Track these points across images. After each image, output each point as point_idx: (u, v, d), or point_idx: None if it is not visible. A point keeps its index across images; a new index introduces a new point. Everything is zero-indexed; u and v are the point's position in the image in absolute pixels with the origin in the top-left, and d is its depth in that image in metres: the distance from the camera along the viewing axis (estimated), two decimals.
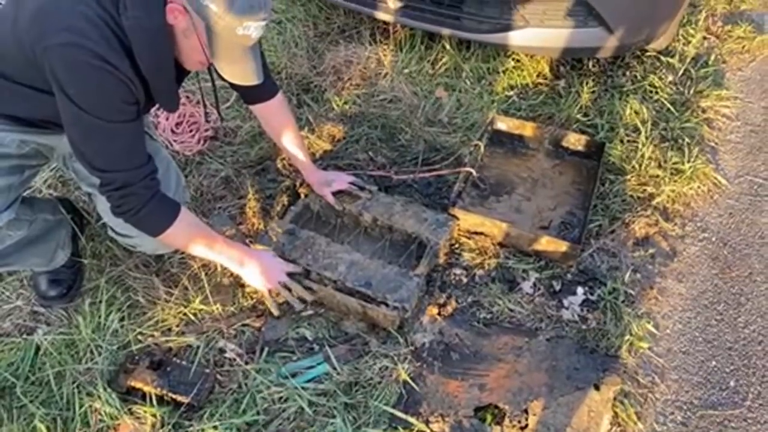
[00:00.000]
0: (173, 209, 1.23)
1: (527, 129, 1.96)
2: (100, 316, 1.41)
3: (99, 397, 1.26)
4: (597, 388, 1.28)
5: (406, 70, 2.18)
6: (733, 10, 2.70)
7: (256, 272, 1.37)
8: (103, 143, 1.13)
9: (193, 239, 1.29)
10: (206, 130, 1.97)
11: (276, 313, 1.44)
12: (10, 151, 1.24)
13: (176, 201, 1.25)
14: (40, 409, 1.23)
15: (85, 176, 1.39)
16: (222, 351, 1.41)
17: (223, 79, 1.35)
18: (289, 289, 1.44)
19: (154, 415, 1.25)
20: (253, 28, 1.08)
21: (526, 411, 1.25)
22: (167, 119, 1.93)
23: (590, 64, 2.26)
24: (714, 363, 1.43)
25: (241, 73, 1.16)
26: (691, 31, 2.46)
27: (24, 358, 1.35)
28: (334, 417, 1.27)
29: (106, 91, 1.08)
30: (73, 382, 1.30)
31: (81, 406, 1.25)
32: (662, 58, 2.30)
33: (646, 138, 1.94)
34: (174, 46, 1.14)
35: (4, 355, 1.37)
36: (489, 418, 1.27)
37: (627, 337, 1.43)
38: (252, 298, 1.52)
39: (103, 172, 1.15)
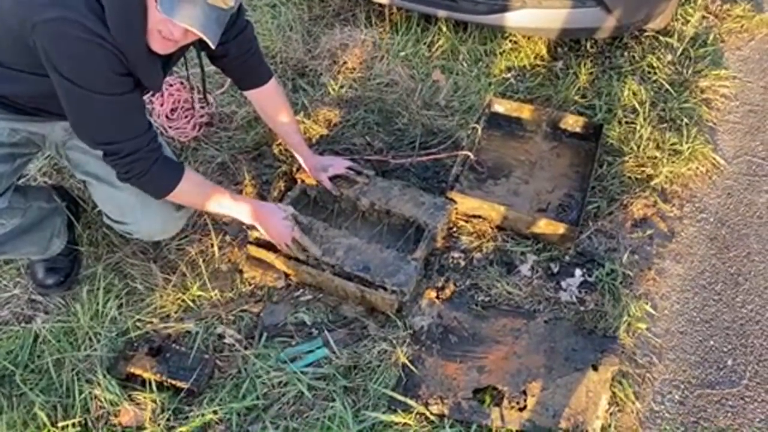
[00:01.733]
0: (178, 169, 1.26)
1: (525, 111, 1.95)
2: (98, 304, 1.41)
3: (99, 384, 1.26)
4: (595, 368, 1.29)
5: (403, 53, 2.16)
6: None
7: (264, 226, 1.43)
8: (101, 116, 1.13)
9: (201, 195, 1.32)
10: (201, 116, 1.95)
11: (302, 257, 1.47)
12: (1, 139, 1.23)
13: (180, 162, 1.26)
14: (40, 397, 1.24)
15: (79, 164, 1.38)
16: (221, 337, 1.41)
17: (216, 63, 1.33)
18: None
19: (153, 401, 1.25)
20: None
21: (524, 392, 1.26)
22: (162, 105, 1.91)
23: (588, 45, 2.24)
24: (711, 342, 1.44)
25: (186, 17, 1.02)
26: (690, 11, 2.43)
27: (23, 346, 1.35)
28: (333, 400, 1.28)
29: (98, 64, 1.06)
30: (73, 370, 1.30)
31: (81, 393, 1.25)
32: (661, 38, 2.29)
33: (645, 119, 1.93)
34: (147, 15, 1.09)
35: (3, 343, 1.37)
36: (488, 399, 1.27)
37: (625, 318, 1.43)
38: (250, 284, 1.52)
39: (105, 145, 1.16)
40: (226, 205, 1.37)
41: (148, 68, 1.15)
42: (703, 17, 2.46)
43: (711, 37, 2.34)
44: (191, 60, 1.54)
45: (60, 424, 1.19)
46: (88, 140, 1.17)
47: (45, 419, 1.19)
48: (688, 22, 2.38)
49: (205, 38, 1.06)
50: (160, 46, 1.12)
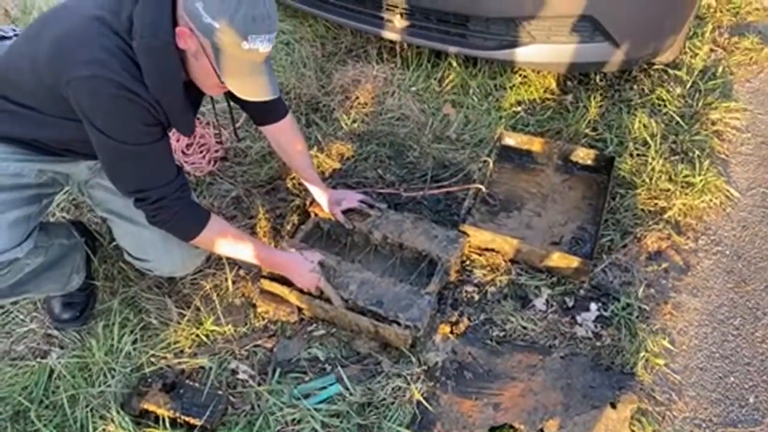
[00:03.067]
0: (204, 215, 1.30)
1: (536, 144, 1.96)
2: (113, 339, 1.41)
3: (112, 421, 1.26)
4: (613, 406, 1.26)
5: (414, 88, 2.20)
6: (740, 22, 2.70)
7: (291, 276, 1.47)
8: (133, 166, 1.17)
9: (224, 243, 1.34)
10: (216, 151, 1.98)
11: (336, 302, 1.48)
12: (29, 181, 1.26)
13: (207, 209, 1.30)
14: (59, 430, 1.24)
15: (101, 202, 1.42)
16: (234, 372, 1.41)
17: (235, 100, 1.37)
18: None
19: None
20: (259, 42, 1.08)
21: (541, 431, 1.24)
22: (177, 140, 1.95)
23: (597, 78, 2.27)
24: (732, 379, 1.41)
25: (252, 89, 1.16)
26: (698, 44, 2.46)
27: (38, 381, 1.36)
28: None
29: (130, 118, 1.10)
30: (87, 406, 1.30)
31: (95, 430, 1.25)
32: (670, 71, 2.31)
33: (656, 151, 1.93)
34: (187, 69, 1.16)
35: (18, 378, 1.38)
36: None
37: (642, 353, 1.41)
38: (263, 319, 1.52)
39: (136, 192, 1.20)
40: (251, 255, 1.39)
41: (183, 115, 1.20)
42: (712, 50, 2.49)
43: (720, 69, 2.36)
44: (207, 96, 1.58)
45: None
46: (120, 187, 1.21)
47: None
48: (696, 55, 2.40)
49: (272, 97, 1.18)
50: (214, 90, 1.22)
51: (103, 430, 1.25)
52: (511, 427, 1.27)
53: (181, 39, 1.09)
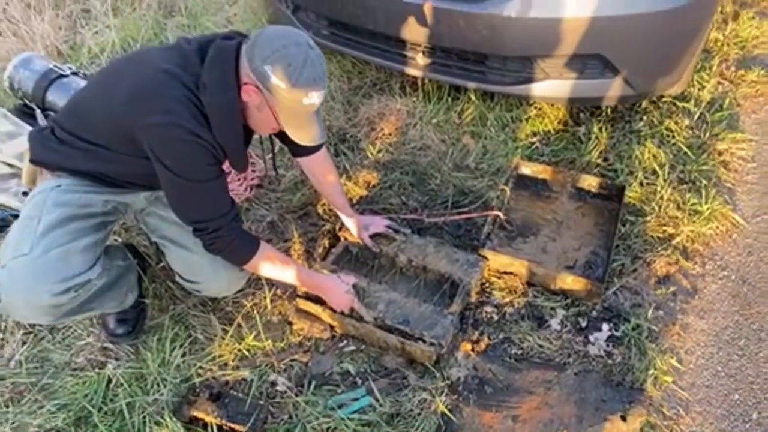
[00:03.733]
0: (255, 243, 1.45)
1: (550, 173, 2.09)
2: (164, 352, 1.56)
3: (166, 426, 1.39)
4: (623, 419, 1.37)
5: (435, 120, 2.34)
6: (746, 55, 2.82)
7: (328, 297, 1.61)
8: (195, 200, 1.33)
9: (271, 266, 1.50)
10: (252, 179, 2.14)
11: (369, 319, 1.61)
12: (96, 210, 1.42)
13: (257, 237, 1.46)
14: None
15: (156, 229, 1.58)
16: (273, 384, 1.54)
17: (276, 135, 1.54)
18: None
19: None
20: (315, 97, 1.26)
21: None
22: None
23: (608, 110, 2.40)
24: (737, 396, 1.51)
25: (309, 136, 1.34)
26: (706, 77, 2.58)
27: (97, 390, 1.50)
28: None
29: (196, 159, 1.26)
30: (143, 412, 1.44)
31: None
32: (678, 103, 2.43)
33: (665, 180, 2.05)
34: (246, 117, 1.33)
35: (79, 387, 1.52)
36: None
37: (651, 371, 1.52)
38: (299, 335, 1.65)
39: (197, 223, 1.36)
40: (294, 277, 1.54)
41: (239, 155, 1.36)
42: (719, 83, 2.61)
43: (727, 101, 2.47)
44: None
45: None
46: (183, 218, 1.38)
47: None
48: (704, 87, 2.52)
49: (322, 141, 1.40)
50: (268, 131, 1.43)
51: None
52: None
53: (247, 94, 1.26)
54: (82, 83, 2.18)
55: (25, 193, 1.48)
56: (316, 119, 1.33)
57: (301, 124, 1.32)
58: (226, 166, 1.40)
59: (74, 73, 2.24)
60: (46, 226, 1.31)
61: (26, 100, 2.20)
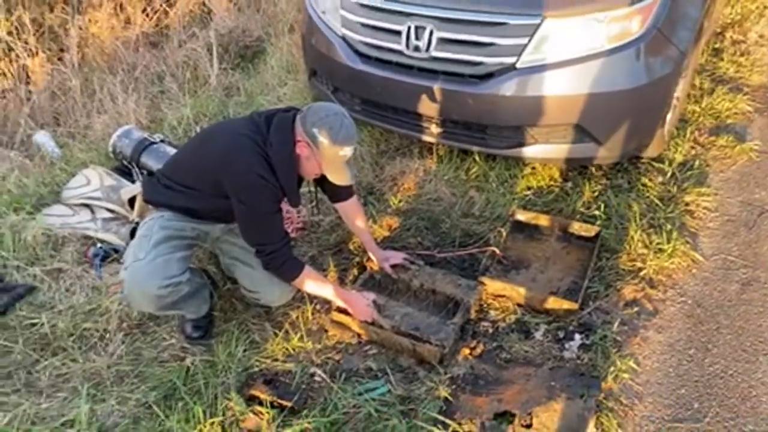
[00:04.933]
0: (300, 265, 1.94)
1: (542, 220, 2.54)
2: (230, 347, 2.02)
3: (232, 400, 1.84)
4: (582, 398, 1.75)
5: (446, 177, 2.85)
6: (720, 124, 3.25)
7: (353, 309, 2.04)
8: (260, 228, 1.84)
9: (314, 285, 1.98)
10: (298, 224, 2.66)
11: (386, 326, 2.03)
12: (187, 234, 1.95)
13: (302, 261, 1.94)
14: (196, 404, 1.82)
15: (228, 252, 2.09)
16: (312, 375, 1.97)
17: (318, 186, 2.05)
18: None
19: (268, 413, 1.80)
20: (348, 150, 1.80)
21: (530, 415, 1.73)
22: None
23: (594, 168, 2.86)
24: (683, 391, 1.86)
25: (342, 178, 1.87)
26: (680, 142, 3.03)
27: (179, 375, 1.96)
28: (392, 419, 1.79)
29: (264, 196, 1.79)
30: (215, 390, 1.89)
31: (222, 404, 1.83)
32: (654, 163, 2.88)
33: (636, 225, 2.47)
34: (299, 167, 1.85)
35: (165, 374, 1.98)
36: (504, 421, 1.74)
37: (612, 369, 1.89)
38: (333, 340, 2.10)
39: (259, 245, 1.86)
40: (329, 293, 2.01)
41: (294, 194, 1.88)
42: (692, 147, 3.05)
43: (697, 162, 2.90)
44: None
45: (209, 421, 1.76)
46: (249, 241, 1.89)
47: (201, 415, 1.76)
48: (677, 150, 2.97)
49: (352, 182, 1.89)
50: (312, 176, 1.93)
51: (226, 405, 1.83)
52: (510, 413, 1.76)
53: (300, 149, 1.80)
54: (169, 148, 2.80)
55: (137, 223, 2.02)
56: (348, 167, 1.85)
57: (337, 170, 1.84)
58: (283, 205, 1.91)
59: (162, 141, 2.86)
60: (155, 241, 1.84)
61: (125, 162, 2.82)
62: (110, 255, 2.48)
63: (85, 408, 1.84)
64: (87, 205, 2.70)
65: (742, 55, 3.89)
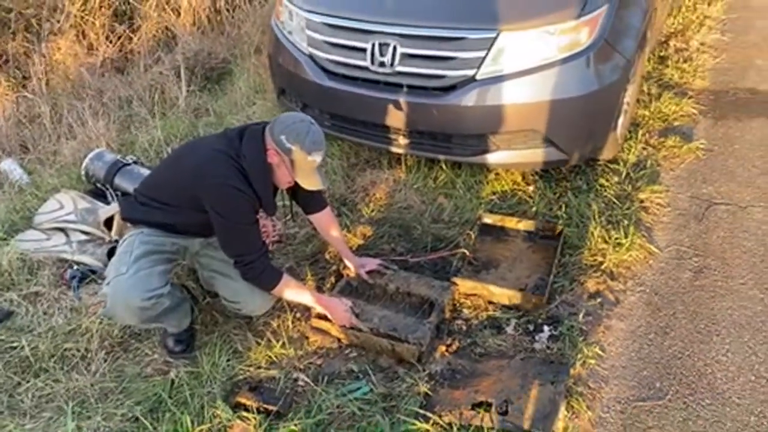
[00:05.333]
0: (279, 273, 2.00)
1: (507, 222, 2.67)
2: (214, 358, 2.07)
3: (219, 408, 1.88)
4: (552, 383, 1.85)
5: (415, 186, 2.97)
6: (667, 126, 3.47)
7: (332, 314, 2.10)
8: (238, 239, 1.90)
9: (293, 293, 2.05)
10: (274, 236, 2.72)
11: (364, 329, 2.10)
12: (167, 248, 2.00)
13: (280, 270, 2.00)
14: (185, 414, 1.86)
15: (207, 265, 2.14)
16: (296, 380, 2.03)
17: (292, 197, 2.13)
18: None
19: (255, 418, 1.86)
20: (317, 156, 1.88)
21: (506, 402, 1.83)
22: None
23: (553, 172, 3.02)
24: (645, 372, 1.99)
25: (313, 183, 1.94)
26: (633, 144, 3.22)
27: (164, 388, 2.00)
28: (375, 416, 1.86)
29: (240, 207, 1.86)
30: (201, 400, 1.93)
31: (209, 413, 1.87)
32: (610, 165, 3.05)
33: (596, 223, 2.62)
34: (272, 174, 1.92)
35: (150, 388, 2.02)
36: (481, 410, 1.84)
37: (580, 356, 2.01)
38: (314, 345, 2.16)
39: (237, 256, 1.92)
40: (308, 299, 2.08)
41: (270, 201, 1.95)
42: (644, 148, 3.24)
43: (649, 162, 3.09)
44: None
45: (197, 429, 1.81)
46: (228, 252, 1.94)
47: (189, 425, 1.80)
48: (630, 152, 3.16)
49: (324, 187, 1.96)
50: (285, 185, 1.99)
51: (213, 413, 1.87)
52: (486, 402, 1.85)
53: (271, 157, 1.88)
54: (142, 169, 2.84)
55: (115, 242, 2.06)
56: (318, 172, 1.93)
57: (307, 176, 1.92)
58: (259, 219, 1.98)
59: (135, 162, 2.90)
60: (136, 256, 1.89)
61: (98, 185, 2.85)
62: (88, 276, 2.49)
63: (72, 425, 1.86)
64: (61, 229, 2.71)
65: (685, 61, 4.16)
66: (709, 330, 2.14)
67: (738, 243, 2.55)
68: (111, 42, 5.02)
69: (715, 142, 3.27)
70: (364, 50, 2.73)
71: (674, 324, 2.18)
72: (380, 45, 2.69)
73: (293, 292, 2.06)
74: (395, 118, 2.78)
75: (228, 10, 5.57)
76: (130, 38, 5.17)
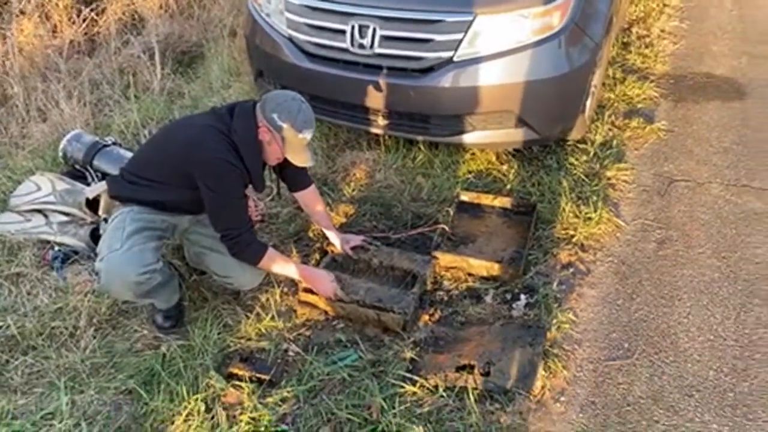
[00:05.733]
0: (264, 247, 2.05)
1: (483, 199, 2.78)
2: (205, 331, 2.12)
3: (212, 378, 1.94)
4: (532, 346, 1.98)
5: (395, 165, 3.05)
6: (631, 109, 3.63)
7: (317, 286, 2.16)
8: (227, 212, 1.95)
9: (279, 266, 2.10)
10: (257, 216, 2.76)
11: (347, 299, 2.17)
12: (157, 225, 2.03)
13: (266, 244, 2.04)
14: (180, 385, 1.91)
15: (197, 241, 2.18)
16: (286, 351, 2.11)
17: (279, 176, 2.18)
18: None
19: (248, 387, 1.92)
20: (307, 133, 1.95)
21: (488, 363, 1.94)
22: None
23: (526, 151, 3.15)
24: (615, 335, 2.14)
25: (303, 159, 2.01)
26: (599, 126, 3.37)
27: (157, 360, 2.04)
28: (365, 381, 1.95)
29: (231, 180, 1.90)
30: (194, 370, 1.98)
31: (203, 382, 1.92)
32: (579, 145, 3.19)
33: (567, 199, 2.76)
34: (263, 150, 1.98)
35: (141, 362, 2.06)
36: (465, 372, 1.95)
37: (555, 321, 2.15)
38: (303, 317, 2.23)
39: (225, 230, 1.96)
40: (293, 272, 2.13)
41: (260, 178, 2.01)
42: (610, 129, 3.40)
43: (615, 142, 3.25)
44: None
45: (192, 397, 1.86)
46: (216, 225, 1.98)
47: (185, 394, 1.86)
48: (598, 133, 3.31)
49: (313, 164, 2.02)
50: (274, 161, 2.04)
51: (207, 383, 1.93)
52: (469, 365, 1.97)
53: (262, 134, 1.93)
54: (122, 151, 2.83)
55: (105, 220, 2.08)
56: (308, 149, 2.00)
57: (297, 152, 1.98)
58: (248, 191, 2.03)
59: (114, 143, 2.89)
60: (129, 232, 1.92)
61: (77, 166, 2.83)
62: (70, 257, 2.49)
63: (65, 399, 1.89)
64: (39, 211, 2.69)
65: (647, 47, 4.34)
66: (671, 295, 2.31)
67: (697, 216, 2.73)
68: (76, 25, 4.91)
69: (675, 123, 3.46)
70: (343, 32, 2.78)
71: (640, 290, 2.33)
72: (360, 27, 2.74)
73: (278, 265, 2.12)
74: (375, 100, 2.84)
75: None
76: (96, 21, 5.07)
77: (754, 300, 2.26)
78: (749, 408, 1.87)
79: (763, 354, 2.05)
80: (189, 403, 1.86)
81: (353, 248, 2.46)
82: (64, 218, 2.65)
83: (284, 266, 2.13)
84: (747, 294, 2.29)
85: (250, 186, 2.05)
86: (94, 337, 2.16)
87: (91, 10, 5.07)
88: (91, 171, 2.77)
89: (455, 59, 2.68)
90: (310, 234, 2.66)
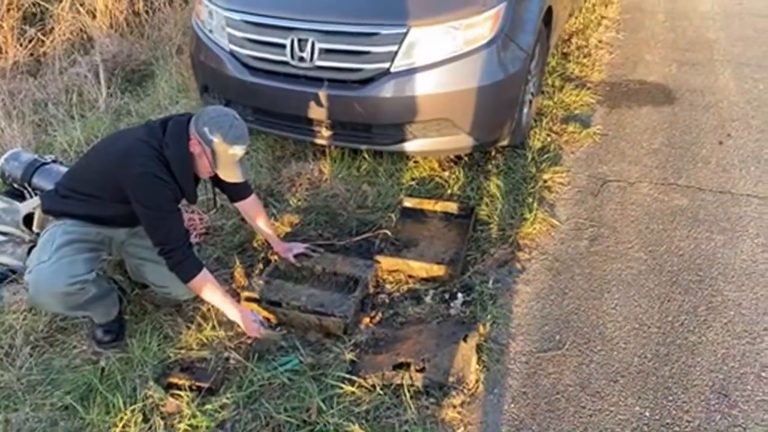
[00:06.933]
0: (199, 266, 2.04)
1: (425, 204, 2.86)
2: (145, 342, 2.12)
3: (151, 389, 1.94)
4: (465, 340, 2.05)
5: (340, 175, 3.11)
6: (569, 115, 3.80)
7: (242, 324, 2.12)
8: (159, 226, 1.96)
9: (206, 289, 2.05)
10: (201, 229, 2.78)
11: (272, 337, 2.17)
12: (92, 238, 2.04)
13: (202, 264, 2.05)
14: (116, 396, 1.90)
15: (134, 253, 2.19)
16: (227, 359, 2.12)
17: (217, 186, 2.22)
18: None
19: (187, 395, 1.93)
20: (238, 149, 1.98)
21: (423, 361, 2.00)
22: None
23: (467, 158, 3.25)
24: (546, 328, 2.23)
25: (233, 175, 2.03)
26: (538, 131, 3.51)
27: (95, 374, 2.03)
28: (305, 384, 1.98)
29: (162, 195, 1.92)
30: (133, 382, 1.98)
31: (141, 393, 1.92)
32: (518, 150, 3.32)
33: (504, 201, 2.87)
34: (194, 164, 2.01)
35: (80, 377, 2.04)
36: (401, 370, 2.00)
37: (490, 317, 2.23)
38: None
39: (161, 244, 1.97)
40: (219, 303, 2.08)
41: (192, 190, 2.03)
42: (548, 135, 3.54)
43: (552, 147, 3.39)
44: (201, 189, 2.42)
45: (130, 408, 1.86)
46: (152, 239, 1.99)
47: (122, 405, 1.85)
48: (536, 138, 3.44)
49: (243, 180, 2.03)
50: (205, 175, 2.06)
51: (146, 393, 1.93)
52: (406, 363, 2.02)
53: (192, 146, 1.96)
54: (62, 168, 2.81)
55: (38, 234, 2.07)
56: (239, 165, 2.02)
57: (227, 168, 2.01)
58: (186, 215, 2.05)
59: (54, 161, 2.87)
60: (58, 245, 1.92)
61: (15, 185, 2.80)
62: (8, 276, 2.46)
63: None
64: None
65: (585, 57, 4.55)
66: (601, 288, 2.42)
67: (627, 213, 2.87)
68: (21, 45, 4.85)
69: (610, 128, 3.63)
70: (283, 46, 2.84)
71: (572, 285, 2.44)
72: (299, 41, 2.81)
73: (209, 290, 2.05)
74: (317, 111, 2.91)
75: (147, 12, 5.50)
76: (42, 41, 5.01)
77: (676, 289, 2.39)
78: (669, 390, 1.98)
79: (684, 340, 2.17)
80: (126, 414, 1.85)
81: (297, 256, 2.50)
82: (2, 237, 2.61)
83: (212, 294, 2.07)
84: (671, 284, 2.42)
85: (184, 199, 2.07)
86: (31, 355, 2.13)
87: (38, 30, 5.02)
88: (30, 189, 2.75)
89: (392, 70, 2.77)
90: (255, 245, 2.69)
